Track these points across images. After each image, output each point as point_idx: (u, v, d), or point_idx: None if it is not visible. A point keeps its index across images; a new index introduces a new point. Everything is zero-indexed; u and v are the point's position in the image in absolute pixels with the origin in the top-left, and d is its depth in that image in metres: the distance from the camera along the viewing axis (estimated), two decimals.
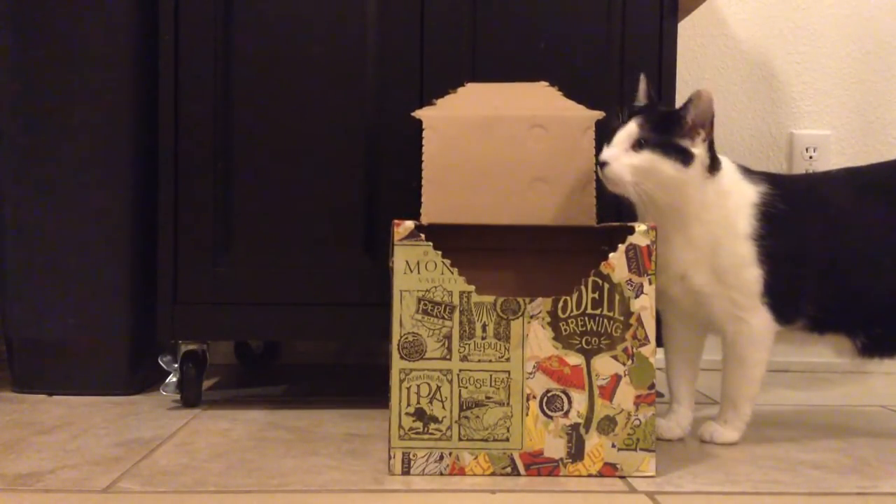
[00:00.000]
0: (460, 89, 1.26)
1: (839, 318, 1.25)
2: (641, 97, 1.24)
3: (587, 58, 1.44)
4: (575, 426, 1.09)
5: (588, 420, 1.09)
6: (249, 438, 1.26)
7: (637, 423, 1.09)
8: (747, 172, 1.26)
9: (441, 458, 1.08)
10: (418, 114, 1.21)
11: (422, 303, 1.08)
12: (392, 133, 1.41)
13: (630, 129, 1.16)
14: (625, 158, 1.15)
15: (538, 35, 1.44)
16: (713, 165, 1.19)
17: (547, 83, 1.25)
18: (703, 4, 1.66)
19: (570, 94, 1.24)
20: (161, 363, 1.47)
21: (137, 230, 1.52)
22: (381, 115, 1.43)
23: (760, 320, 1.22)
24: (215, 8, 1.41)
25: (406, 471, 1.08)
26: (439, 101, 1.24)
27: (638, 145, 1.15)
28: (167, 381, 1.47)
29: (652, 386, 1.09)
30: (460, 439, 1.08)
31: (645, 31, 1.44)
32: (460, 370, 1.08)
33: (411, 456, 1.08)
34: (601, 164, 1.16)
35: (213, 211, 1.42)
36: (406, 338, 1.08)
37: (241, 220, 1.43)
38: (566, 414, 1.09)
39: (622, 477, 1.09)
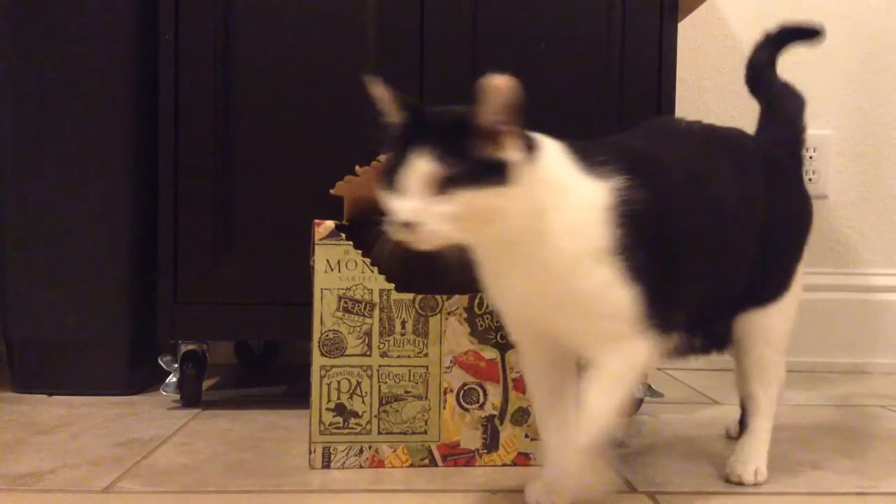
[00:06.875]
0: None
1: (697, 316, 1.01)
2: (391, 109, 0.90)
3: (587, 58, 1.44)
4: (490, 418, 1.13)
5: (503, 412, 1.13)
6: (249, 438, 1.26)
7: None
8: (592, 161, 0.92)
9: (361, 451, 1.12)
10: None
11: (342, 301, 1.11)
12: None
13: (423, 168, 0.82)
14: (435, 208, 0.82)
15: (538, 35, 1.44)
16: (531, 154, 0.87)
17: None
18: (703, 4, 1.66)
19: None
20: (161, 363, 1.47)
21: (137, 230, 1.52)
22: (380, 116, 1.43)
23: (642, 346, 0.93)
24: (215, 7, 1.42)
25: (326, 465, 1.11)
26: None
27: (444, 185, 0.82)
28: (167, 381, 1.47)
29: None
30: (380, 433, 1.12)
31: (645, 31, 1.44)
32: (380, 366, 1.12)
33: (332, 450, 1.11)
34: (403, 224, 0.82)
35: (212, 211, 1.42)
36: (327, 335, 1.11)
37: (241, 220, 1.43)
38: (482, 406, 1.13)
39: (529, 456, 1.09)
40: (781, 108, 1.25)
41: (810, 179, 1.97)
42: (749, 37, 2.02)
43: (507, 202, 0.84)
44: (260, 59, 1.43)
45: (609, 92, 1.43)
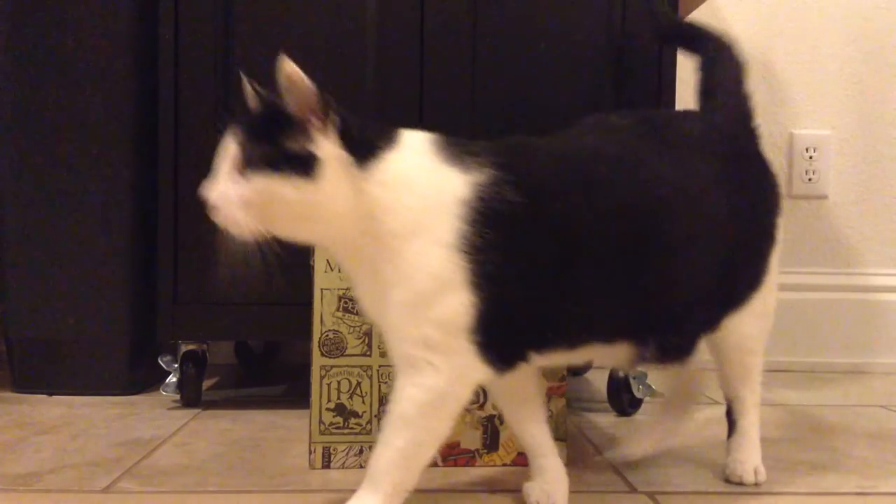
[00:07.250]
0: None
1: (628, 322, 0.92)
2: (251, 100, 0.87)
3: (587, 58, 1.44)
4: (490, 418, 1.13)
5: None
6: (249, 438, 1.26)
7: (549, 413, 1.09)
8: (462, 152, 0.86)
9: (361, 451, 1.12)
10: None
11: (342, 300, 1.11)
12: None
13: (228, 148, 0.82)
14: (232, 190, 0.81)
15: (538, 35, 1.44)
16: (365, 152, 0.83)
17: None
18: (703, 4, 1.66)
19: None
20: (161, 363, 1.47)
21: (137, 230, 1.52)
22: (380, 115, 1.43)
23: (460, 370, 0.84)
24: (215, 7, 1.41)
25: (326, 464, 1.11)
26: None
27: (244, 167, 0.81)
28: (167, 381, 1.47)
29: (563, 378, 1.13)
30: (380, 433, 1.10)
31: (645, 31, 1.44)
32: (380, 366, 1.12)
33: (332, 450, 1.11)
34: (208, 206, 0.83)
35: None
36: (327, 335, 1.11)
37: None
38: (482, 406, 1.13)
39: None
40: (721, 52, 1.21)
41: (810, 179, 1.97)
42: (749, 37, 2.03)
43: (312, 198, 0.81)
44: (260, 59, 1.43)
45: (609, 92, 1.43)
